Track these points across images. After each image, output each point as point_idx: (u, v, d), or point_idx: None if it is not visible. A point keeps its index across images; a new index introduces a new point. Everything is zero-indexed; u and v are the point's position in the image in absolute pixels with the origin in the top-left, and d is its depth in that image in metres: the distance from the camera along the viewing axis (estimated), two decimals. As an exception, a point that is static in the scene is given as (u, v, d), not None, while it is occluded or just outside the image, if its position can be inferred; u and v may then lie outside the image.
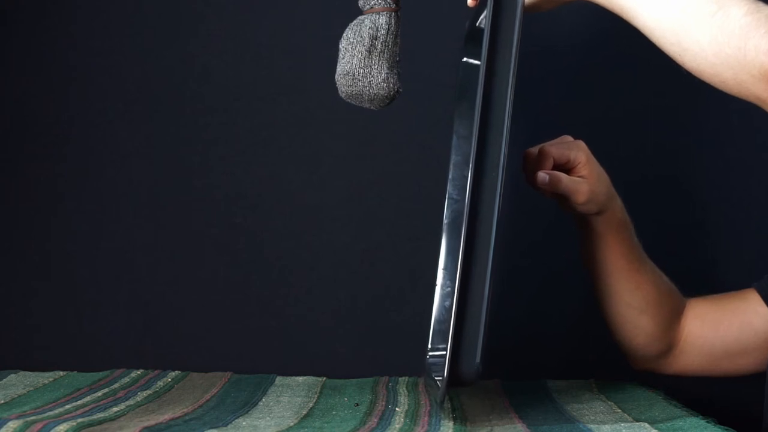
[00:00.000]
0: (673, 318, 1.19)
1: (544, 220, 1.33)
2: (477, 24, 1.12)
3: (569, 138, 1.13)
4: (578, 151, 1.10)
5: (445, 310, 1.15)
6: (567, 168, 1.10)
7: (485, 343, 0.94)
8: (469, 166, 0.94)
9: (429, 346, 1.14)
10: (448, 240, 1.17)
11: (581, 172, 1.10)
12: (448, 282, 1.16)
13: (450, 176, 1.19)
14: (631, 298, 1.16)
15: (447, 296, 1.16)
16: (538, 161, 1.09)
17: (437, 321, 1.16)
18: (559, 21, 1.33)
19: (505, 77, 0.95)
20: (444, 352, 0.95)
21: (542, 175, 1.07)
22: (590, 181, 1.10)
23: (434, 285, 1.17)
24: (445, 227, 1.18)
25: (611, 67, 1.39)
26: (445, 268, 1.17)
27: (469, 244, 0.94)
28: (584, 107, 1.39)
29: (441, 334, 1.14)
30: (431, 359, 1.12)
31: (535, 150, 1.11)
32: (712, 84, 0.87)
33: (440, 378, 0.97)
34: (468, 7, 1.08)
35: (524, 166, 1.11)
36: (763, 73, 0.83)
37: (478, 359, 0.94)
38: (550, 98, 1.38)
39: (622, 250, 1.14)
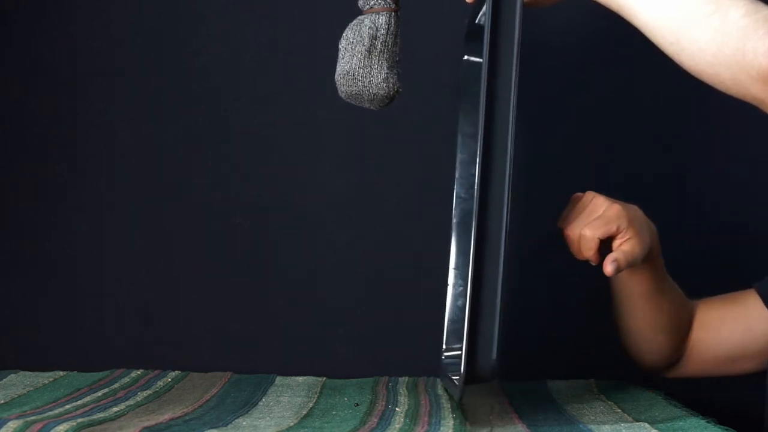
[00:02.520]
0: (686, 333, 1.19)
1: (544, 221, 1.33)
2: (476, 21, 1.12)
3: (599, 201, 1.08)
4: (619, 221, 1.07)
5: (458, 310, 1.15)
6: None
7: (501, 340, 0.94)
8: (476, 164, 0.94)
9: (444, 346, 1.14)
10: (458, 239, 1.17)
11: (627, 236, 1.07)
12: (460, 281, 1.16)
13: (457, 175, 1.19)
14: (653, 318, 1.15)
15: (460, 295, 1.15)
16: (583, 245, 1.07)
17: (451, 320, 1.16)
18: (557, 18, 1.33)
19: (508, 73, 0.94)
20: (460, 351, 0.95)
21: (611, 269, 1.05)
22: (641, 237, 1.07)
23: (446, 285, 1.17)
24: (454, 227, 1.18)
25: (610, 66, 1.39)
26: (456, 268, 1.17)
27: (480, 242, 0.93)
28: (582, 106, 1.39)
29: (456, 333, 1.14)
30: (447, 359, 1.12)
31: (574, 234, 1.08)
32: (710, 83, 0.87)
33: (458, 377, 0.96)
34: (467, 4, 1.08)
35: (569, 247, 1.09)
36: (761, 74, 0.82)
37: (494, 355, 0.94)
38: (548, 96, 1.38)
39: (650, 276, 1.13)
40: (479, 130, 0.94)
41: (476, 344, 0.94)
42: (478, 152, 0.94)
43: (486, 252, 0.94)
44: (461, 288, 1.14)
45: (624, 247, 1.07)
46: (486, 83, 0.94)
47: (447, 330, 1.15)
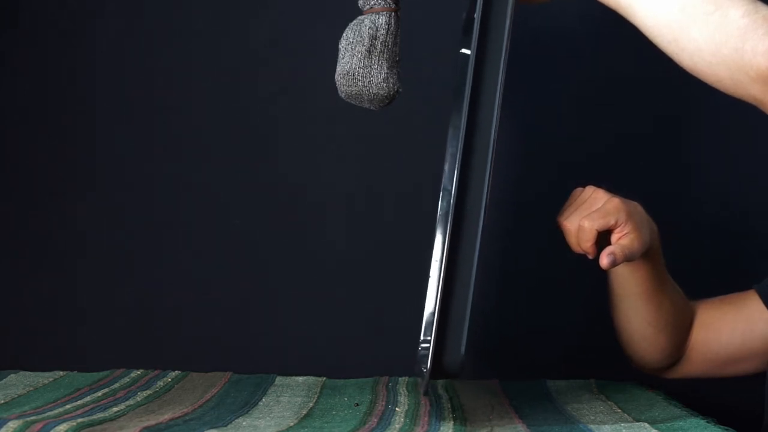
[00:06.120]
0: (686, 333, 1.19)
1: (543, 220, 1.33)
2: (474, 15, 1.11)
3: (598, 195, 1.08)
4: (617, 214, 1.06)
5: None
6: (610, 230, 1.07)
7: (471, 335, 0.93)
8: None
9: (421, 337, 1.14)
10: (441, 232, 1.17)
11: (626, 230, 1.07)
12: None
13: (446, 168, 1.19)
14: (653, 317, 1.15)
15: None
16: (581, 237, 1.07)
17: (430, 313, 1.15)
18: (557, 16, 1.33)
19: (496, 61, 0.93)
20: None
21: (607, 262, 1.05)
22: (640, 233, 1.07)
23: (427, 277, 1.16)
24: (439, 219, 1.18)
25: (609, 64, 1.39)
26: (438, 260, 1.16)
27: (455, 233, 0.93)
28: (581, 104, 1.39)
29: (431, 326, 1.13)
30: (421, 351, 1.12)
31: (572, 225, 1.07)
32: (708, 83, 0.87)
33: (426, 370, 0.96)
34: (465, 3, 1.08)
35: (566, 239, 1.09)
36: (760, 74, 0.82)
37: (462, 351, 0.93)
38: (547, 93, 1.38)
39: (650, 274, 1.13)
40: (462, 120, 0.93)
41: (445, 339, 0.93)
42: (459, 142, 0.93)
43: (460, 246, 0.93)
44: None
45: (623, 241, 1.07)
46: (472, 71, 0.93)
47: (425, 322, 1.14)
